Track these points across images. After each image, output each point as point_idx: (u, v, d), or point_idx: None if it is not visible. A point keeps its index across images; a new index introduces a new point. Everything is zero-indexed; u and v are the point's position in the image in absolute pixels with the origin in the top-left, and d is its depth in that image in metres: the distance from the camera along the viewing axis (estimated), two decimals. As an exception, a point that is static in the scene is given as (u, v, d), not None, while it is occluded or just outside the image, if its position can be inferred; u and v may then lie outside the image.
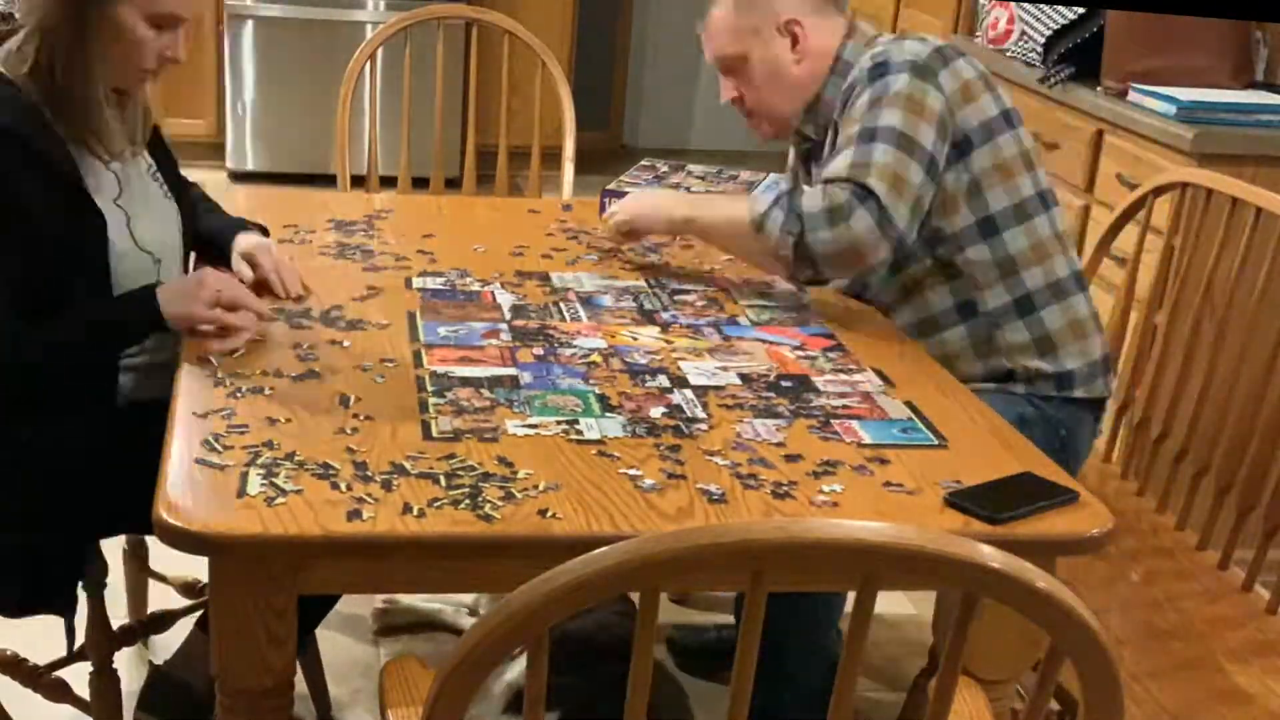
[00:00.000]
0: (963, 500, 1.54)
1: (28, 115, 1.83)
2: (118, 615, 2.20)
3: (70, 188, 1.86)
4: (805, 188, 2.07)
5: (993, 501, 1.54)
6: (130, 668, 2.27)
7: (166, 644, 2.21)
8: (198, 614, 2.22)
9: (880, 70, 2.09)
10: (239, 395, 1.69)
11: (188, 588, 2.41)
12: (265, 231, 2.17)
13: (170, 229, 2.03)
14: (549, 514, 1.45)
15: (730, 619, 2.64)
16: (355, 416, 1.65)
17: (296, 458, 1.53)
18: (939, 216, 2.11)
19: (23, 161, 1.81)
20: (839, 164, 2.03)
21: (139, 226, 1.94)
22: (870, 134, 2.03)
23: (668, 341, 1.99)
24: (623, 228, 2.29)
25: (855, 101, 2.10)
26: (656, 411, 1.73)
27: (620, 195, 2.42)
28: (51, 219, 1.83)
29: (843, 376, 1.90)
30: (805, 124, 2.26)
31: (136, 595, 2.46)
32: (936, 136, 2.05)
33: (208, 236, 2.13)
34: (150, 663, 2.26)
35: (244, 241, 2.09)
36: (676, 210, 2.25)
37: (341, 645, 2.57)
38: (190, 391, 1.69)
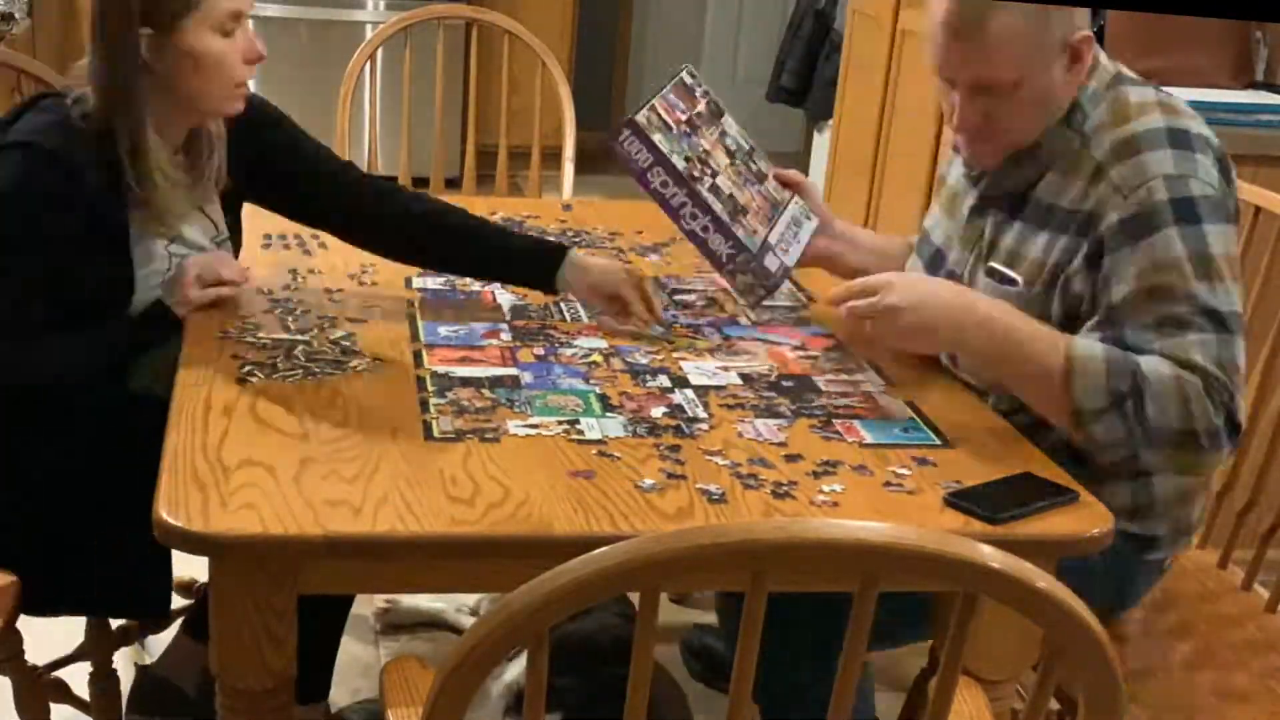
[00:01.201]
0: (962, 500, 1.54)
1: (80, 145, 1.79)
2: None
3: (111, 231, 1.84)
4: (1152, 376, 1.65)
5: (992, 501, 1.54)
6: (129, 667, 2.27)
7: (162, 643, 2.20)
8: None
9: (1190, 212, 1.70)
10: (239, 395, 1.69)
11: (184, 587, 2.41)
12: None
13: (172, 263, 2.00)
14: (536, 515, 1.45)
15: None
16: (355, 416, 1.65)
17: (296, 458, 1.53)
18: None
19: (61, 186, 1.77)
20: (1198, 355, 1.66)
21: (155, 271, 1.93)
22: (1215, 314, 1.68)
23: (668, 341, 1.98)
24: (883, 357, 1.88)
25: (1166, 246, 1.69)
26: (657, 411, 1.73)
27: (643, 139, 1.98)
28: (82, 254, 1.81)
29: (844, 376, 1.90)
30: (1009, 171, 1.86)
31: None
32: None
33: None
34: (135, 664, 2.26)
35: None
36: (955, 346, 1.81)
37: (342, 645, 2.57)
38: (189, 392, 1.69)
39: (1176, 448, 1.67)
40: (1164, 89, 1.86)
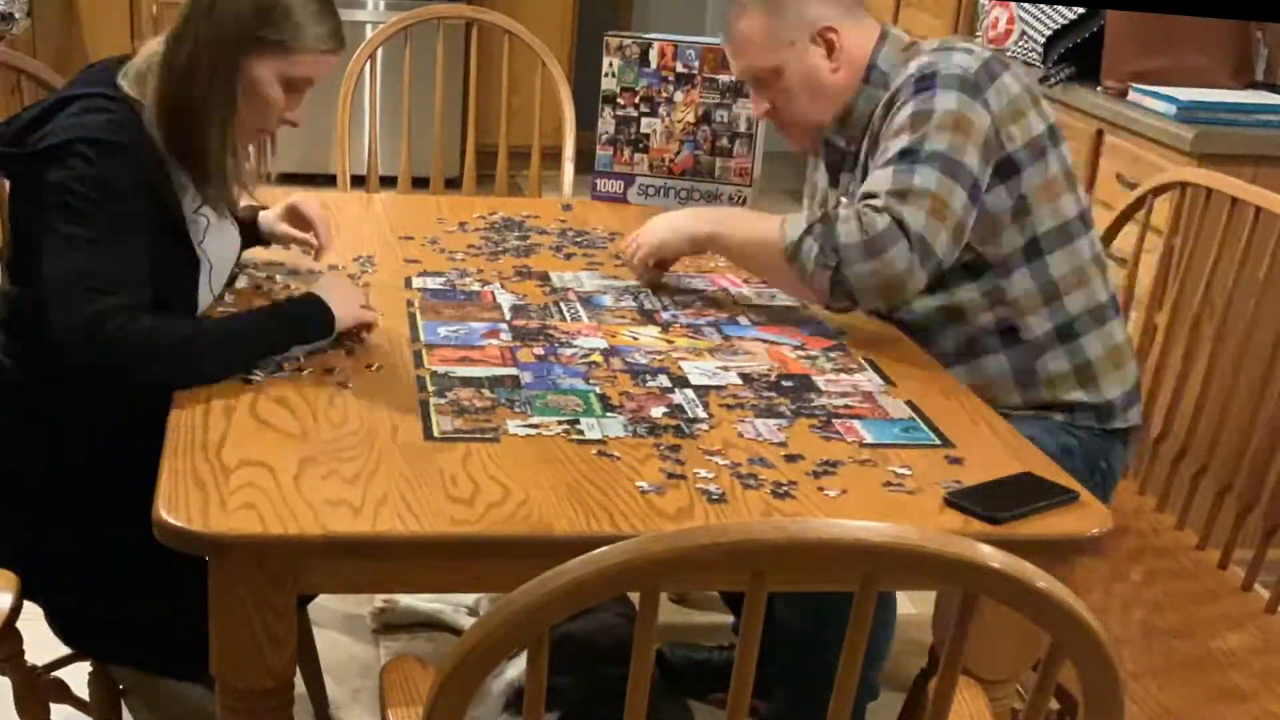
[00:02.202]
0: (962, 500, 1.54)
1: (140, 136, 1.80)
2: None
3: (173, 219, 1.85)
4: (840, 212, 1.95)
5: (993, 501, 1.54)
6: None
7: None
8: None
9: (927, 83, 2.00)
10: (239, 395, 1.69)
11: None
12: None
13: (230, 254, 2.04)
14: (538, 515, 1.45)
15: (727, 640, 2.59)
16: (355, 416, 1.65)
17: (296, 458, 1.53)
18: (983, 241, 2.03)
19: (135, 175, 1.78)
20: (878, 183, 1.96)
21: (215, 275, 1.94)
22: (913, 154, 1.95)
23: (668, 341, 1.99)
24: (650, 258, 2.18)
25: (898, 113, 2.02)
26: (657, 411, 1.73)
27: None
28: (159, 240, 1.81)
29: (844, 376, 1.90)
30: (835, 135, 2.19)
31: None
32: (980, 159, 1.97)
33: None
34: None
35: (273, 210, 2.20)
36: (699, 227, 2.13)
37: (341, 645, 2.57)
38: (190, 391, 1.69)
39: (869, 256, 1.91)
40: (954, 44, 2.10)
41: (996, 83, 2.01)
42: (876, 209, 1.93)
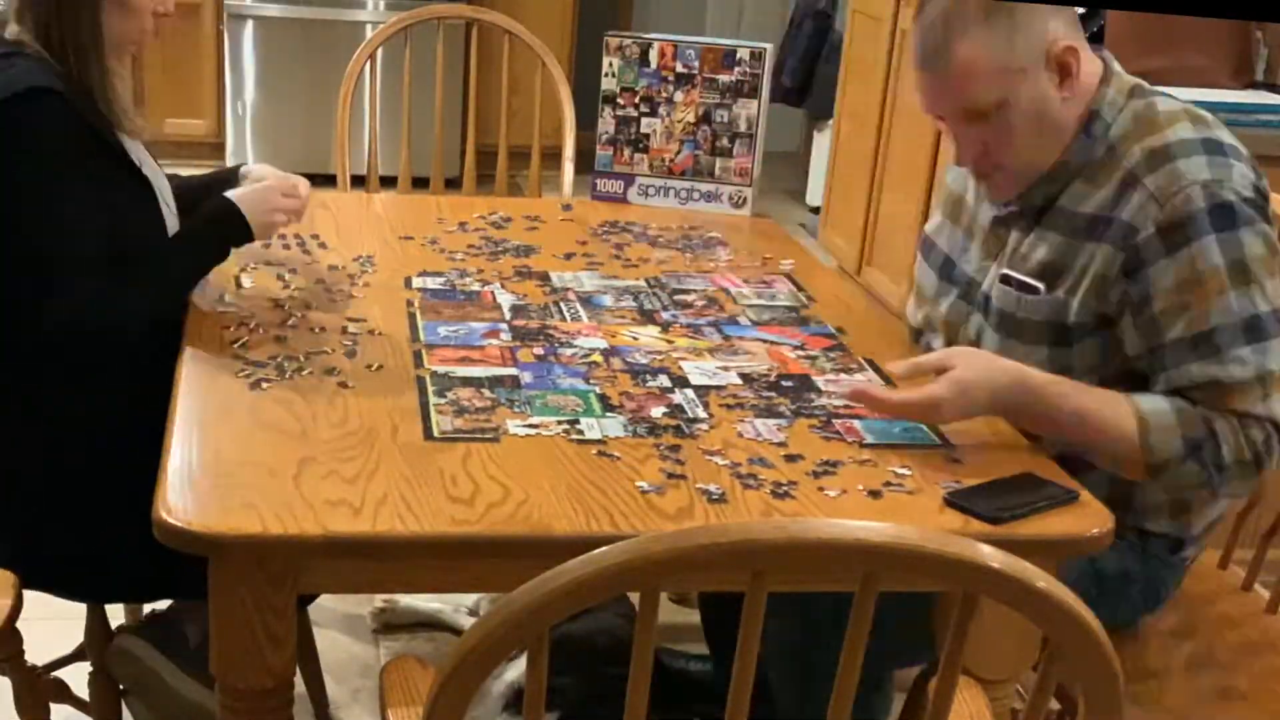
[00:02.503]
0: (963, 500, 1.54)
1: (67, 81, 1.83)
2: (115, 615, 2.20)
3: (119, 153, 1.89)
4: (1218, 428, 1.67)
5: (993, 501, 1.54)
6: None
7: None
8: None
9: (1227, 218, 1.69)
10: (239, 395, 1.69)
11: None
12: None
13: (167, 188, 2.06)
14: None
15: (704, 649, 2.46)
16: (355, 416, 1.65)
17: (296, 458, 1.53)
18: (1140, 354, 1.77)
19: (79, 127, 1.82)
20: (1238, 371, 1.67)
21: (164, 194, 2.00)
22: (1257, 323, 1.68)
23: (668, 341, 1.99)
24: (942, 408, 1.69)
25: (1201, 257, 1.69)
26: (657, 411, 1.73)
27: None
28: (112, 188, 1.86)
29: (844, 376, 1.90)
30: (1036, 185, 1.83)
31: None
32: None
33: (202, 190, 2.13)
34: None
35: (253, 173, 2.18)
36: (1019, 419, 1.73)
37: (341, 645, 2.57)
38: (190, 391, 1.69)
39: (1247, 478, 1.71)
40: (1201, 117, 1.83)
41: (1269, 198, 1.77)
42: (1252, 418, 1.68)
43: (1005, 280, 1.87)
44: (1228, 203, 1.70)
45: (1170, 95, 1.85)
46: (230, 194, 1.98)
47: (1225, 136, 1.79)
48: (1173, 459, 1.68)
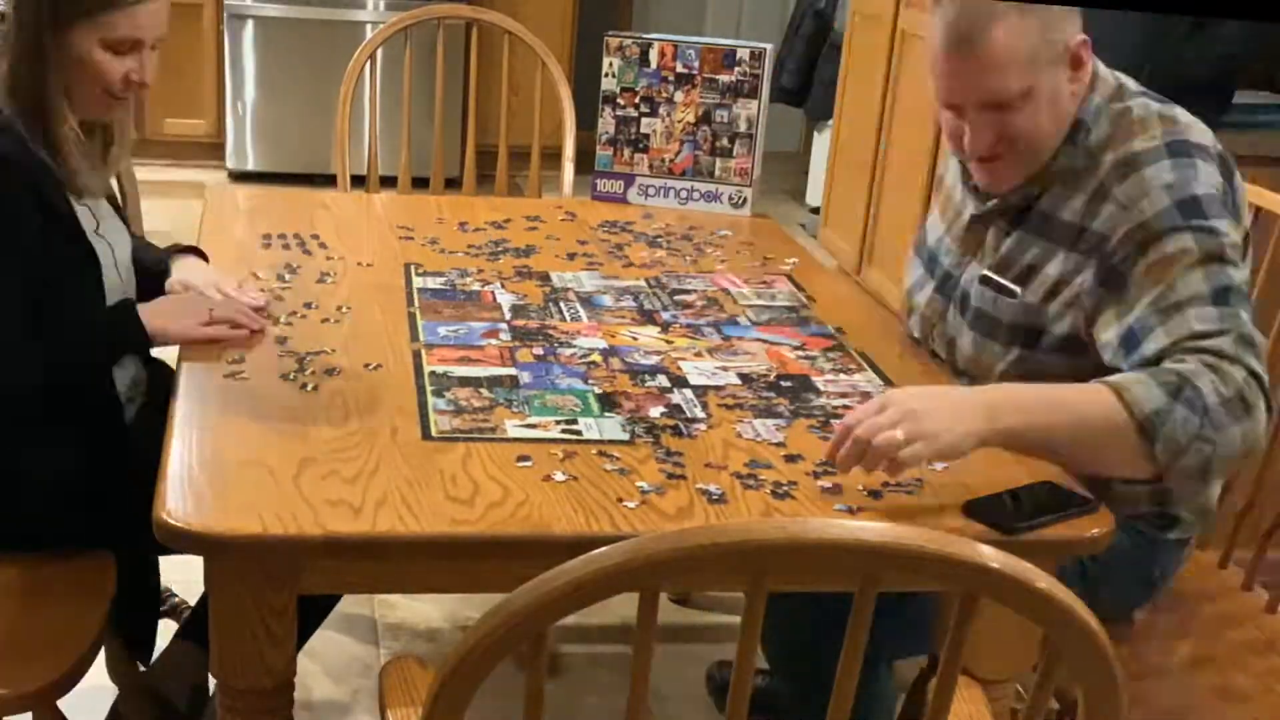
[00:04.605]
0: (980, 510, 1.53)
1: (21, 143, 1.80)
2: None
3: (65, 220, 1.84)
4: (1189, 368, 1.62)
5: (1010, 512, 1.52)
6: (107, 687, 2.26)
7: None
8: (186, 615, 2.22)
9: (1193, 208, 1.71)
10: (239, 396, 1.69)
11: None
12: (203, 256, 2.10)
13: (126, 250, 1.99)
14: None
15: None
16: (355, 416, 1.65)
17: (296, 458, 1.53)
18: (1094, 323, 1.78)
19: (21, 189, 1.78)
20: (1202, 324, 1.65)
21: (118, 257, 1.94)
22: (1225, 294, 1.68)
23: (668, 341, 1.99)
24: (908, 461, 1.52)
25: (1169, 241, 1.70)
26: (656, 411, 1.74)
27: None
28: (50, 250, 1.81)
29: (843, 376, 1.90)
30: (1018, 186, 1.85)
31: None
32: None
33: (141, 267, 2.04)
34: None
35: (181, 269, 2.03)
36: (995, 424, 1.59)
37: (342, 645, 2.57)
38: (190, 392, 1.69)
39: (1237, 419, 1.61)
40: (1164, 99, 1.85)
41: (1240, 191, 1.80)
42: (1226, 357, 1.63)
43: (985, 281, 1.89)
44: (1194, 195, 1.72)
45: (1149, 95, 1.86)
46: (145, 306, 1.88)
47: (1195, 137, 1.79)
48: (1161, 409, 1.59)
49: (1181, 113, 1.83)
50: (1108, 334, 1.75)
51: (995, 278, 1.87)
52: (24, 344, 1.78)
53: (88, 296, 1.87)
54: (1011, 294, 1.85)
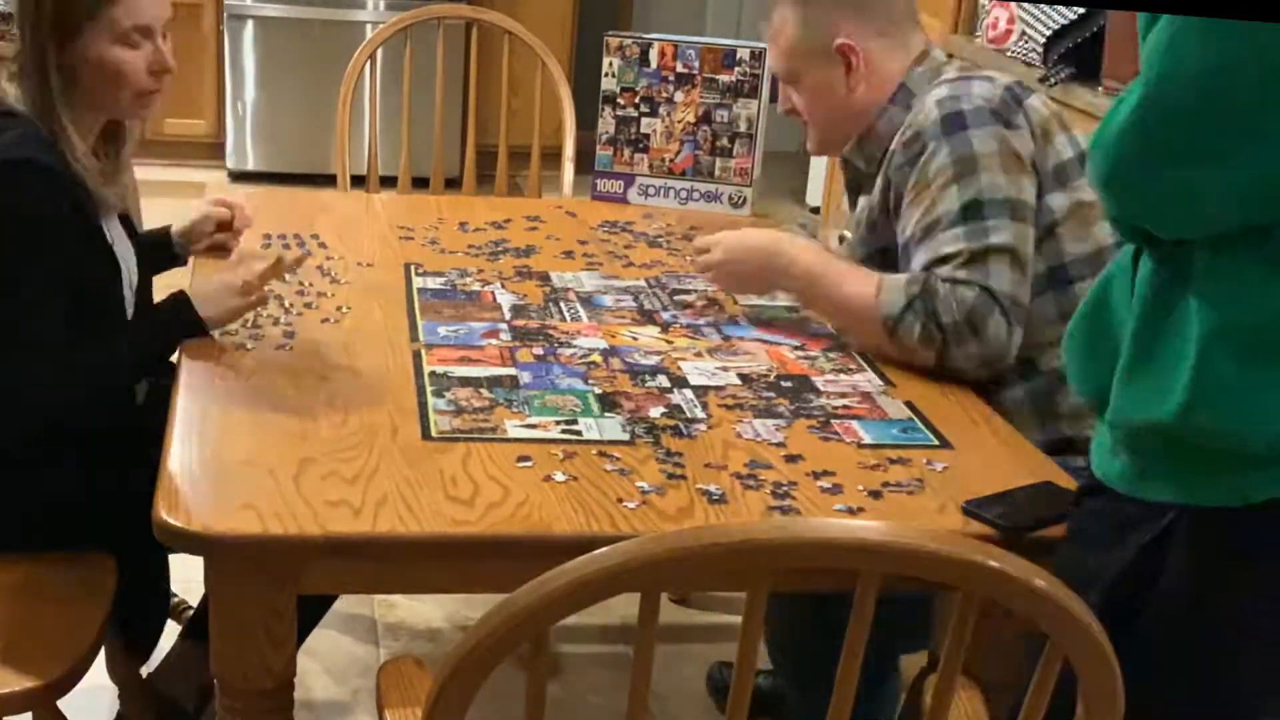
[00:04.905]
0: (981, 511, 1.53)
1: (62, 157, 1.80)
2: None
3: (98, 233, 1.86)
4: (938, 285, 1.84)
5: (1012, 513, 1.52)
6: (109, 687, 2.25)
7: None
8: (188, 616, 2.22)
9: (957, 123, 1.90)
10: (238, 396, 1.69)
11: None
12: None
13: (134, 271, 2.01)
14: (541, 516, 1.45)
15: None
16: (355, 416, 1.65)
17: (296, 458, 1.53)
18: None
19: (67, 201, 1.79)
20: (950, 245, 1.85)
21: (129, 278, 1.95)
22: (978, 208, 1.86)
23: (668, 341, 1.99)
24: (717, 269, 2.07)
25: (932, 158, 1.90)
26: (656, 411, 1.74)
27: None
28: (90, 261, 1.84)
29: (843, 376, 1.90)
30: (854, 153, 2.10)
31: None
32: (1031, 186, 1.89)
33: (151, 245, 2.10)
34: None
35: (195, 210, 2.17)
36: (788, 270, 2.00)
37: (341, 645, 2.57)
38: (190, 392, 1.69)
39: (967, 339, 1.84)
40: (978, 69, 2.06)
41: (1024, 106, 1.94)
42: (960, 281, 1.84)
43: (842, 240, 2.14)
44: (958, 111, 1.91)
45: (968, 67, 2.08)
46: (187, 288, 1.91)
47: (986, 72, 2.02)
48: (896, 314, 1.86)
49: (988, 71, 2.04)
50: (899, 246, 1.97)
51: (844, 233, 2.10)
52: (70, 354, 1.79)
53: (122, 306, 1.90)
54: (844, 240, 2.11)
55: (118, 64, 1.83)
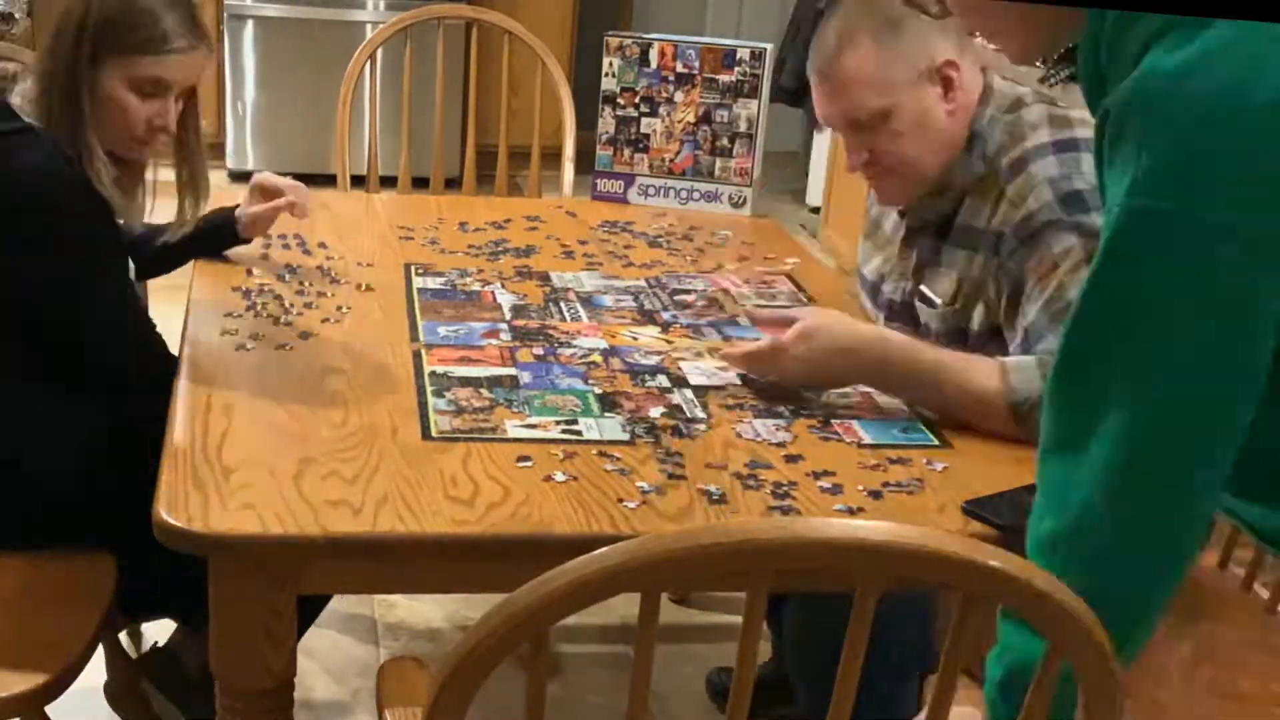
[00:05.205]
0: (980, 510, 1.52)
1: (81, 170, 1.82)
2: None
3: (119, 238, 1.91)
4: None
5: (1010, 511, 1.51)
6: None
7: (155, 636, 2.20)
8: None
9: (1078, 204, 1.75)
10: (239, 396, 1.69)
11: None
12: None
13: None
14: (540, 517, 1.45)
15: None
16: (355, 416, 1.65)
17: (296, 458, 1.53)
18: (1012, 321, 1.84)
19: (95, 205, 1.82)
20: None
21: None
22: None
23: (668, 341, 1.99)
24: (782, 357, 1.80)
25: (1055, 242, 1.75)
26: (656, 411, 1.73)
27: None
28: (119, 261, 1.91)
29: (843, 376, 1.90)
30: (926, 205, 1.93)
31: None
32: None
33: (212, 229, 2.17)
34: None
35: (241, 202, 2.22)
36: (874, 386, 1.81)
37: (341, 645, 2.57)
38: (190, 392, 1.69)
39: None
40: (1060, 104, 1.88)
41: None
42: None
43: (918, 297, 1.96)
44: (1076, 190, 1.76)
45: (1046, 101, 1.89)
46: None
47: (1081, 132, 1.83)
48: (1034, 398, 1.65)
49: (1078, 114, 1.86)
50: (1010, 334, 1.83)
51: (924, 290, 1.95)
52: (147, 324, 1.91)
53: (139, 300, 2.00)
54: (933, 303, 1.93)
55: (123, 106, 1.84)
